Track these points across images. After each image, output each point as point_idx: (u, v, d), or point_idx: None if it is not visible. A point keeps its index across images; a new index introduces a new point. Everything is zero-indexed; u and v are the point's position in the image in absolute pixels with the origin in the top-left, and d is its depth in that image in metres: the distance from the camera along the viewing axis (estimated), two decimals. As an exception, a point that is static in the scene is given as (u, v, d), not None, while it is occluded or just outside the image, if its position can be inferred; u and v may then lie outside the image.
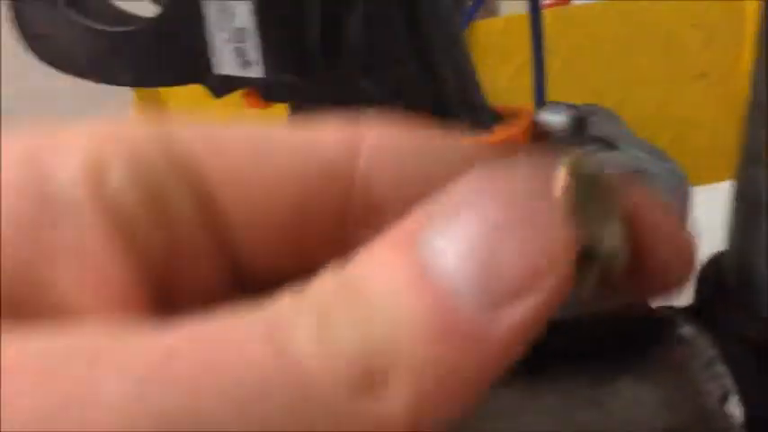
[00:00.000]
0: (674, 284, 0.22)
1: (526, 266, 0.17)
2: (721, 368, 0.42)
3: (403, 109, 0.45)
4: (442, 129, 0.23)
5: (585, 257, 0.18)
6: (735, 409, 0.41)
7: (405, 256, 0.17)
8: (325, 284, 0.17)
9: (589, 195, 0.18)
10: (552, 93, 1.10)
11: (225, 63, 0.49)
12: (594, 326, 0.42)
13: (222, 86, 0.50)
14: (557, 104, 0.48)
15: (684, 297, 0.49)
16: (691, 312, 0.45)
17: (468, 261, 0.17)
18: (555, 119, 0.48)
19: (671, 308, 0.46)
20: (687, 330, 0.44)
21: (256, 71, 0.48)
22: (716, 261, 0.47)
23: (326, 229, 0.20)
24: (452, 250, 0.17)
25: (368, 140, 0.21)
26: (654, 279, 0.22)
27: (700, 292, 0.47)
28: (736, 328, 0.43)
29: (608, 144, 0.50)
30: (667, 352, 0.43)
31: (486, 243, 0.17)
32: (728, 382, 0.42)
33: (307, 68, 0.43)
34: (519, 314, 0.17)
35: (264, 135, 0.20)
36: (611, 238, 0.18)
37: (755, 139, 0.41)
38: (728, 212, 0.45)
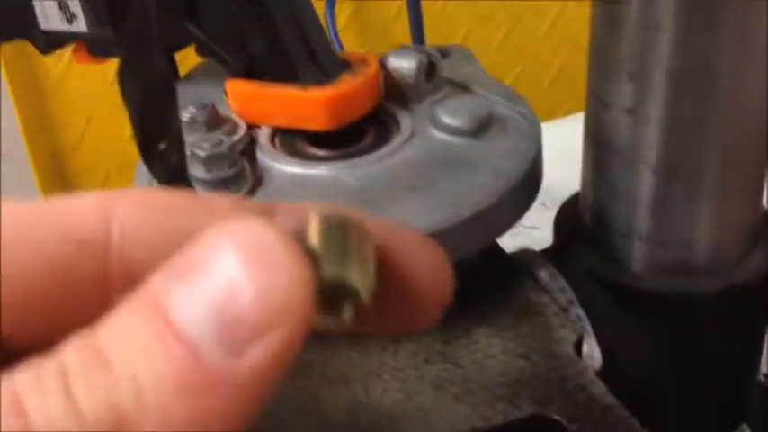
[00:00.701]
0: (438, 305, 0.24)
1: (261, 311, 0.18)
2: (578, 311, 0.42)
3: (257, 76, 0.43)
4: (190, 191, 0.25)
5: (337, 294, 0.20)
6: (593, 352, 0.41)
7: (148, 313, 0.18)
8: (69, 350, 0.18)
9: (337, 240, 0.20)
10: (395, 36, 1.08)
11: (50, 18, 0.46)
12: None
13: (49, 42, 0.47)
14: (407, 49, 0.46)
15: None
16: (549, 255, 0.45)
17: (207, 312, 0.18)
18: (404, 64, 0.46)
19: (528, 251, 0.45)
20: (544, 274, 0.43)
21: (80, 26, 0.44)
22: (572, 203, 0.47)
23: (87, 300, 0.21)
24: (192, 304, 0.18)
25: (120, 211, 0.22)
26: (419, 303, 0.24)
27: (557, 234, 0.47)
28: (592, 268, 0.43)
29: (460, 87, 0.48)
30: (523, 299, 0.42)
31: (223, 294, 0.18)
32: (585, 325, 0.41)
33: (122, 22, 0.40)
34: (260, 355, 0.18)
35: (18, 218, 0.21)
36: (359, 275, 0.20)
37: (600, 82, 0.40)
38: (582, 155, 0.44)
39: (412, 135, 0.43)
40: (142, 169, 0.43)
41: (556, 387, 0.37)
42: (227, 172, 0.40)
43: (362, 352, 0.40)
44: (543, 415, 0.36)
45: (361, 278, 0.20)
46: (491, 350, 0.39)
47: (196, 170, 0.40)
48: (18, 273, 0.21)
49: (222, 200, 0.23)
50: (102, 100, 0.99)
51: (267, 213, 0.23)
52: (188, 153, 0.39)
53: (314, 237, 0.20)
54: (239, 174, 0.40)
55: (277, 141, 0.44)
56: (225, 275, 0.18)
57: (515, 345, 0.40)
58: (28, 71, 0.97)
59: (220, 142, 0.40)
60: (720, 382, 0.45)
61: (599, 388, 0.37)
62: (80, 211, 0.22)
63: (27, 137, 0.98)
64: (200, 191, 0.39)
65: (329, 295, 0.20)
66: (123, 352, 0.18)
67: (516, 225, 0.41)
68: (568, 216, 0.46)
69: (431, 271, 0.24)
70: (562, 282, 0.43)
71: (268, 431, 0.36)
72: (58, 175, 1.04)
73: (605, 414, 0.36)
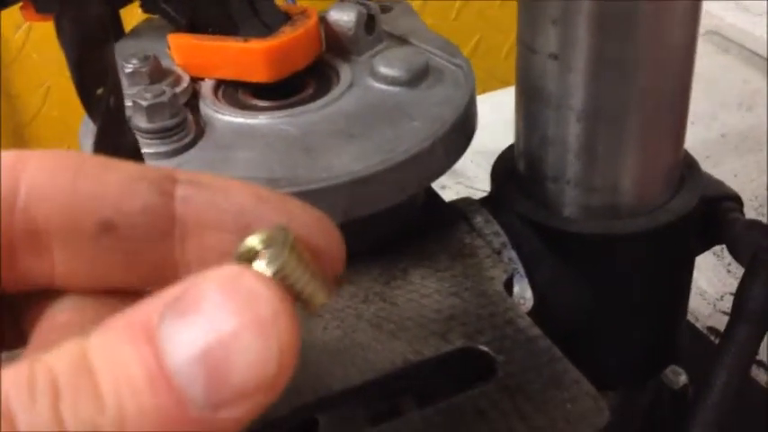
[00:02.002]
0: (336, 274, 0.26)
1: (252, 379, 0.19)
2: (510, 253, 0.44)
3: (199, 30, 0.44)
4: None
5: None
6: (524, 292, 0.43)
7: (141, 348, 0.19)
8: (61, 358, 0.19)
9: (288, 259, 0.22)
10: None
11: (-5, -26, 0.46)
12: (387, 221, 0.43)
13: (-4, -1, 0.47)
14: (347, 2, 0.47)
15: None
16: (485, 202, 0.47)
17: (200, 366, 0.19)
18: (344, 17, 0.47)
19: (466, 199, 0.47)
20: (479, 220, 0.45)
21: (24, -19, 0.45)
22: (508, 153, 0.48)
23: None
24: (187, 354, 0.19)
25: (30, 170, 0.23)
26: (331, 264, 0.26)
27: (494, 182, 0.48)
28: (525, 213, 0.45)
29: (399, 40, 0.50)
30: (459, 242, 0.44)
31: (218, 352, 0.19)
32: (517, 267, 0.43)
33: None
34: (242, 413, 0.19)
35: None
36: (314, 285, 0.23)
37: (527, 29, 0.41)
38: (515, 104, 0.45)
39: (351, 85, 0.44)
40: (88, 121, 0.44)
41: (485, 322, 0.39)
42: (168, 121, 0.41)
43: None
44: (473, 348, 0.38)
45: (319, 285, 0.23)
46: (426, 290, 0.41)
47: (139, 120, 0.41)
48: None
49: (129, 167, 0.24)
50: (61, 70, 0.99)
51: (168, 180, 0.24)
52: (131, 103, 0.40)
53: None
54: (181, 123, 0.41)
55: (220, 93, 0.45)
56: (221, 334, 0.19)
57: (449, 284, 0.41)
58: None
59: (162, 92, 0.41)
60: (648, 322, 0.47)
61: (525, 321, 0.39)
62: None
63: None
64: (142, 140, 0.40)
65: None
66: (113, 380, 0.19)
67: (471, 187, 0.43)
68: (504, 165, 0.48)
69: (330, 244, 0.26)
70: (496, 226, 0.45)
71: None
72: (17, 147, 1.04)
73: (530, 344, 0.37)
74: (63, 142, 1.05)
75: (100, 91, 0.34)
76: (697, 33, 0.41)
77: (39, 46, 0.99)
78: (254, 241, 0.22)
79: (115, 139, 0.37)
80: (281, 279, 0.21)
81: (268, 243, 0.22)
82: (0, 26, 0.97)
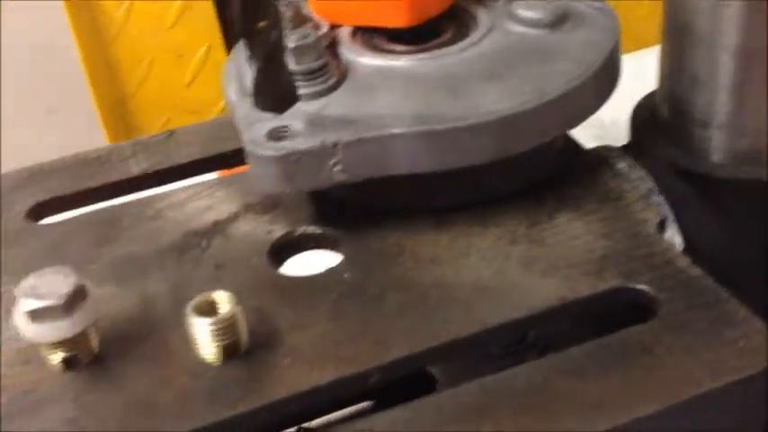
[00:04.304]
0: None
1: None
2: (658, 198, 0.43)
3: None
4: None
5: None
6: (674, 236, 0.42)
7: None
8: None
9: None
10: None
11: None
12: (530, 166, 0.42)
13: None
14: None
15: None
16: (626, 149, 0.45)
17: None
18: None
19: (606, 146, 0.46)
20: (622, 165, 0.44)
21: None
22: (648, 98, 0.47)
23: None
24: None
25: None
26: None
27: (634, 129, 0.47)
28: (671, 160, 0.44)
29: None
30: (603, 186, 0.43)
31: None
32: (666, 210, 0.42)
33: None
34: None
35: None
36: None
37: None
38: (660, 47, 0.44)
39: (490, 29, 0.44)
40: (232, 64, 0.45)
41: (641, 262, 0.38)
42: (314, 63, 0.41)
43: (450, 235, 0.41)
44: (631, 287, 0.37)
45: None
46: (574, 231, 0.40)
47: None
48: None
49: None
50: (162, 45, 1.01)
51: None
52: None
53: None
54: (325, 65, 0.41)
55: (358, 39, 0.45)
56: None
57: (598, 227, 0.40)
58: (90, 17, 0.99)
59: (307, 35, 0.41)
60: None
61: (684, 261, 0.38)
62: None
63: (91, 81, 1.01)
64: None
65: None
66: None
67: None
68: (645, 111, 0.47)
69: None
70: (641, 172, 0.43)
71: (365, 307, 0.38)
72: (122, 121, 1.07)
73: (693, 284, 0.36)
74: (163, 115, 1.07)
75: (262, 24, 0.34)
76: None
77: (140, 22, 1.01)
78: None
79: (274, 75, 0.37)
80: None
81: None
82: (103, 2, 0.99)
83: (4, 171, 0.48)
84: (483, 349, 0.39)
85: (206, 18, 1.01)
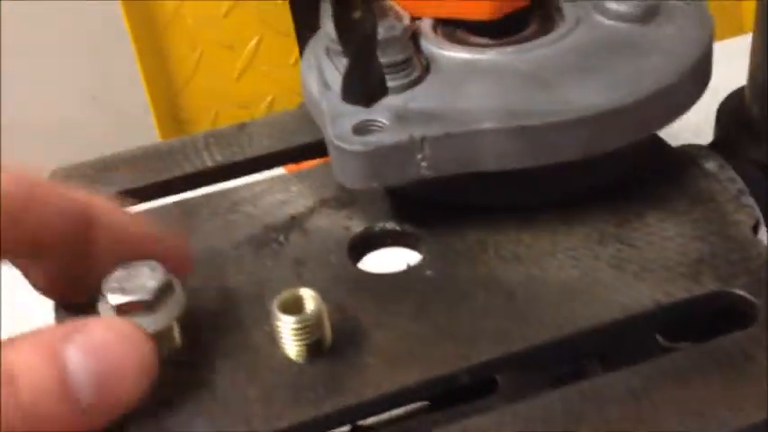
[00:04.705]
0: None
1: (122, 391, 0.30)
2: (749, 200, 0.41)
3: None
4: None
5: None
6: (765, 239, 0.40)
7: (49, 361, 0.29)
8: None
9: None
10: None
11: None
12: (617, 164, 0.41)
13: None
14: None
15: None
16: (713, 148, 0.44)
17: (91, 380, 0.29)
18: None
19: (693, 145, 0.45)
20: (711, 165, 0.43)
21: None
22: (736, 95, 0.46)
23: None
24: (84, 370, 0.29)
25: (96, 211, 0.35)
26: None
27: (721, 127, 0.46)
28: (760, 159, 0.42)
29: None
30: (693, 187, 0.41)
31: (102, 371, 0.30)
32: (758, 212, 0.41)
33: None
34: (105, 416, 0.30)
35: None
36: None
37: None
38: (752, 42, 0.43)
39: (577, 23, 0.42)
40: (311, 56, 0.44)
41: (738, 266, 0.37)
42: (399, 56, 0.40)
43: (533, 234, 0.40)
44: (728, 291, 0.36)
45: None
46: (666, 233, 0.39)
47: (369, 54, 0.40)
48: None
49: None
50: (214, 35, 1.01)
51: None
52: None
53: None
54: (410, 58, 0.40)
55: (439, 32, 0.44)
56: (104, 366, 0.30)
57: (690, 228, 0.39)
58: (144, 5, 0.99)
59: (394, 26, 0.40)
60: None
61: (784, 266, 0.36)
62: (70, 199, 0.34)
63: (143, 68, 1.01)
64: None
65: None
66: (29, 386, 0.28)
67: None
68: (732, 109, 0.45)
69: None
70: (731, 172, 0.42)
71: (450, 306, 0.37)
72: (172, 112, 1.07)
73: (795, 289, 0.35)
74: (212, 108, 1.07)
75: (357, 14, 0.33)
76: None
77: (193, 10, 1.00)
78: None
79: (366, 69, 0.36)
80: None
81: None
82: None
83: (49, 161, 0.47)
84: (576, 353, 0.38)
85: (258, 10, 1.00)
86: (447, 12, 0.43)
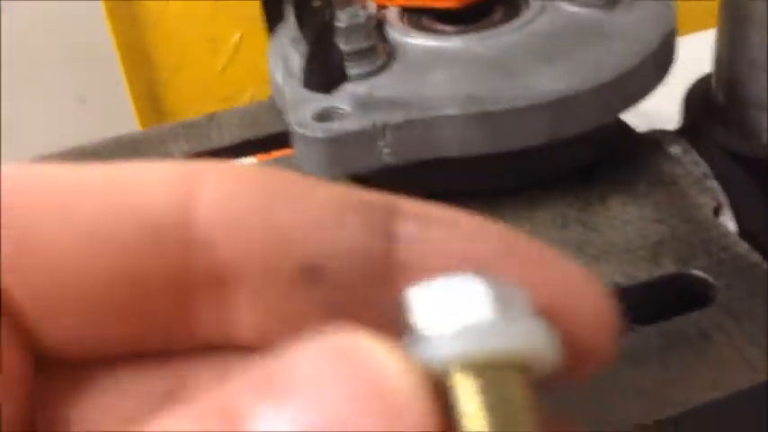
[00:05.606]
0: (598, 357, 0.18)
1: None
2: (713, 183, 0.41)
3: None
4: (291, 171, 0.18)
5: None
6: (728, 222, 0.41)
7: None
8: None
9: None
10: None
11: None
12: (581, 149, 0.41)
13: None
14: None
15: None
16: (679, 133, 0.44)
17: None
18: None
19: (659, 130, 0.45)
20: (676, 149, 0.43)
21: None
22: (703, 81, 0.46)
23: (164, 298, 0.17)
24: None
25: (205, 194, 0.17)
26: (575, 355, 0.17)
27: (687, 113, 0.46)
28: (725, 144, 0.42)
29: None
30: (657, 171, 0.42)
31: None
32: (721, 196, 0.41)
33: None
34: None
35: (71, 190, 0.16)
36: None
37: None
38: (716, 32, 0.43)
39: (541, 9, 0.43)
40: (276, 44, 0.44)
41: (698, 247, 0.37)
42: (363, 43, 0.40)
43: (497, 219, 0.40)
44: (687, 273, 0.36)
45: None
46: (628, 216, 0.39)
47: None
48: (70, 269, 0.16)
49: (336, 190, 0.18)
50: (198, 34, 1.01)
51: (388, 213, 0.18)
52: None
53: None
54: (374, 46, 0.40)
55: (405, 19, 0.44)
56: (323, 423, 0.13)
57: (652, 211, 0.39)
58: (126, 5, 0.99)
59: (357, 14, 0.40)
60: None
61: (743, 247, 0.37)
62: (155, 187, 0.17)
63: (125, 67, 1.01)
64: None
65: None
66: None
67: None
68: (699, 95, 0.46)
69: (593, 315, 0.18)
70: (695, 156, 0.42)
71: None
72: (154, 108, 1.07)
73: (753, 270, 0.35)
74: (195, 103, 1.07)
75: (316, 2, 0.34)
76: None
77: (177, 8, 1.00)
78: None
79: (325, 56, 0.37)
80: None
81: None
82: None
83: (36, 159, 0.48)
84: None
85: (240, 5, 1.00)
86: (413, 0, 0.44)
